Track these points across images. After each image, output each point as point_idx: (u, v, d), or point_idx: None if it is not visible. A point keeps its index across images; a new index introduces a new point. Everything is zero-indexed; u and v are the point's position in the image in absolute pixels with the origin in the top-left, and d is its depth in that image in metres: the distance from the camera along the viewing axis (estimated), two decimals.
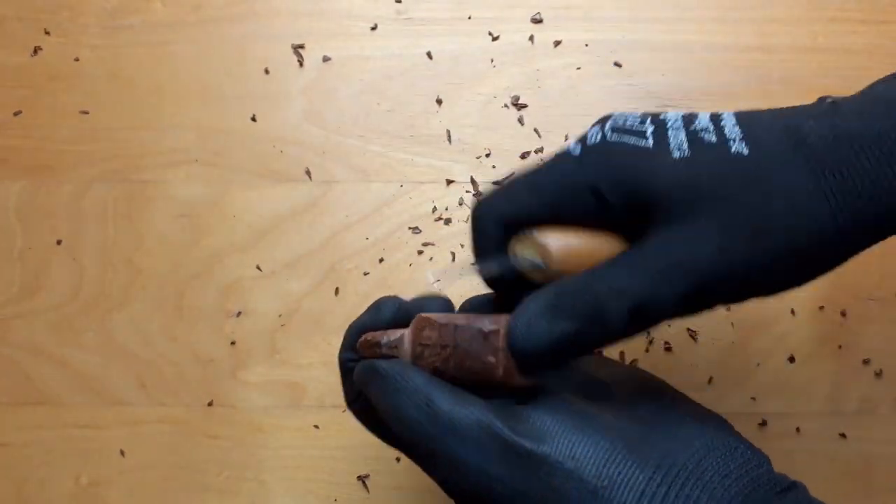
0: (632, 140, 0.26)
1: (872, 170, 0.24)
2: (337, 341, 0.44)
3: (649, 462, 0.24)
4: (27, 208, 0.46)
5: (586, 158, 0.27)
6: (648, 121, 0.27)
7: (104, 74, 0.47)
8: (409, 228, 0.45)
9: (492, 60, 0.46)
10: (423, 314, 0.28)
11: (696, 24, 0.46)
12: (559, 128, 0.46)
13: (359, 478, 0.43)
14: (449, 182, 0.45)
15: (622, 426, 0.26)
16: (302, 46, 0.47)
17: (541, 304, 0.25)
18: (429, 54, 0.47)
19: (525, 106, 0.46)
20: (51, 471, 0.44)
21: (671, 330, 0.44)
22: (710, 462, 0.25)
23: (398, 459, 0.43)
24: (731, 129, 0.25)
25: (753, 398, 0.43)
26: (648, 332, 0.44)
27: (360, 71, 0.46)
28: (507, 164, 0.45)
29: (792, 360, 0.44)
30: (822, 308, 0.44)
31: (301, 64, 0.47)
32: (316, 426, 0.44)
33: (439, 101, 0.46)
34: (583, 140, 0.27)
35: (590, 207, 0.27)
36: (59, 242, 0.46)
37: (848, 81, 0.46)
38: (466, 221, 0.45)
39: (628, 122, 0.27)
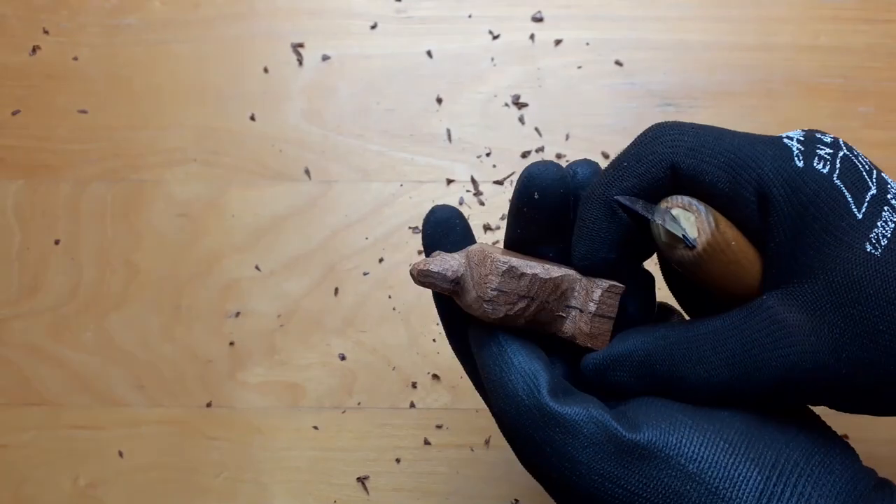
0: (849, 196, 0.24)
1: None
2: (336, 342, 0.44)
3: (766, 461, 0.24)
4: (25, 208, 0.46)
5: (805, 170, 0.24)
6: (874, 178, 0.25)
7: (103, 74, 0.47)
8: (409, 228, 0.45)
9: (492, 59, 0.46)
10: (493, 254, 0.26)
11: (697, 22, 0.46)
12: (560, 127, 0.45)
13: (358, 479, 0.43)
14: (449, 181, 0.45)
15: (733, 423, 0.25)
16: (301, 45, 0.47)
17: (619, 357, 0.26)
18: (429, 53, 0.46)
19: (526, 105, 0.46)
20: (49, 471, 0.44)
21: None
22: (817, 458, 0.25)
23: (398, 460, 0.43)
24: None
25: None
26: None
27: (360, 70, 0.46)
28: (507, 164, 0.45)
29: None
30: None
31: (300, 63, 0.46)
32: (315, 427, 0.44)
33: (439, 100, 0.46)
34: (810, 148, 0.25)
35: (752, 217, 0.25)
36: (57, 242, 0.45)
37: (850, 80, 0.46)
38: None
39: (858, 162, 0.25)
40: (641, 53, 0.46)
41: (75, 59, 0.47)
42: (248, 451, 0.43)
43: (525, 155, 0.45)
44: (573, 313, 0.26)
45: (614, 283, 0.27)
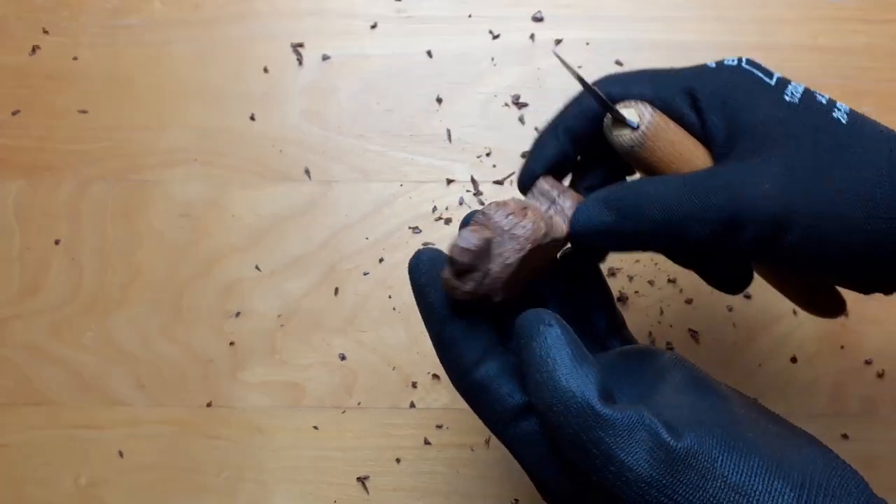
0: (759, 73, 0.29)
1: None
2: (337, 342, 0.44)
3: (793, 479, 0.25)
4: (26, 208, 0.46)
5: (718, 70, 0.30)
6: (779, 74, 0.29)
7: (103, 74, 0.47)
8: (409, 228, 0.45)
9: (492, 59, 0.46)
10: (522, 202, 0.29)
11: (696, 23, 0.46)
12: None
13: (358, 479, 0.43)
14: (449, 181, 0.45)
15: (765, 442, 0.26)
16: (301, 45, 0.47)
17: (599, 195, 0.28)
18: (429, 53, 0.46)
19: (526, 105, 0.46)
20: (50, 471, 0.44)
21: (673, 330, 0.44)
22: (835, 479, 0.26)
23: (398, 460, 0.43)
24: (843, 106, 0.28)
25: (756, 399, 0.43)
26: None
27: (360, 70, 0.46)
28: (507, 164, 0.45)
29: (794, 360, 0.43)
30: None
31: (300, 63, 0.46)
32: (315, 427, 0.44)
33: (439, 100, 0.46)
34: (720, 61, 0.30)
35: (685, 111, 0.30)
36: (57, 242, 0.45)
37: (849, 80, 0.46)
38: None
39: (762, 66, 0.30)
40: (641, 53, 0.46)
41: (76, 59, 0.47)
42: (248, 450, 0.43)
43: (525, 155, 0.45)
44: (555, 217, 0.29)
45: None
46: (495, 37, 0.46)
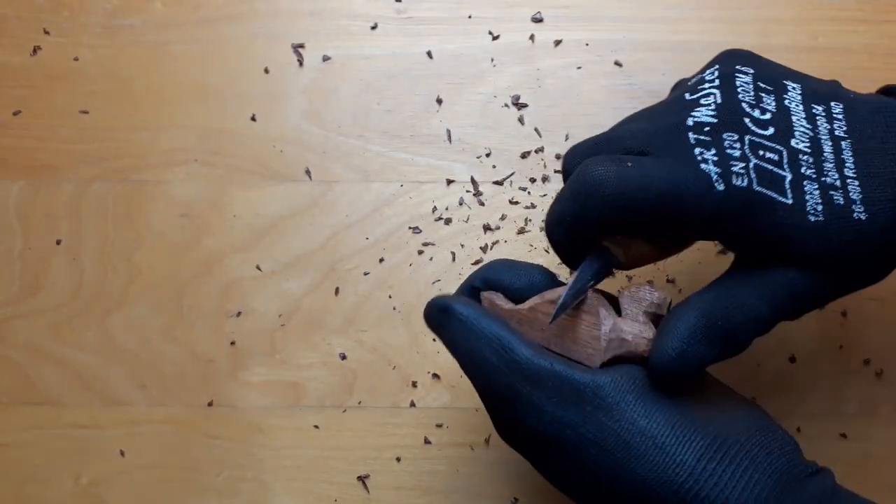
0: (773, 193, 0.28)
1: None
2: (337, 341, 0.44)
3: (709, 431, 0.28)
4: (27, 208, 0.46)
5: (730, 200, 0.28)
6: (785, 158, 0.28)
7: (104, 74, 0.47)
8: (410, 228, 0.45)
9: (492, 60, 0.46)
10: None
11: (696, 23, 0.46)
12: (559, 127, 0.46)
13: (359, 478, 0.43)
14: (449, 182, 0.45)
15: (689, 400, 0.29)
16: (302, 46, 0.47)
17: (691, 330, 0.28)
18: (429, 54, 0.46)
19: (525, 105, 0.46)
20: (51, 471, 0.44)
21: None
22: (757, 439, 0.28)
23: (398, 459, 0.43)
24: (853, 186, 0.28)
25: (754, 398, 0.43)
26: None
27: (360, 70, 0.46)
28: (507, 164, 0.45)
29: (792, 360, 0.44)
30: (822, 308, 0.44)
31: (301, 63, 0.47)
32: (316, 426, 0.44)
33: (439, 101, 0.46)
34: (725, 169, 0.28)
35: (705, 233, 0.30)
36: (58, 242, 0.45)
37: (848, 81, 0.46)
38: (467, 222, 0.45)
39: (766, 157, 0.28)
40: (641, 54, 0.46)
41: (76, 59, 0.47)
42: (249, 450, 0.44)
43: (525, 155, 0.45)
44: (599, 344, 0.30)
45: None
46: (495, 37, 0.46)
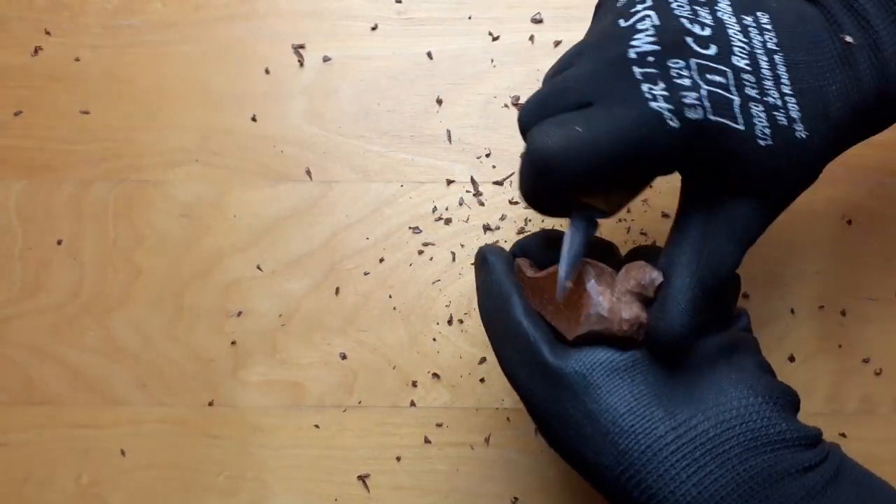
0: (726, 121, 0.27)
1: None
2: (337, 341, 0.44)
3: (676, 421, 0.28)
4: (27, 208, 0.46)
5: (685, 136, 0.27)
6: (731, 80, 0.27)
7: (104, 74, 0.47)
8: (410, 228, 0.45)
9: (492, 60, 0.46)
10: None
11: None
12: None
13: (359, 477, 0.43)
14: (449, 182, 0.45)
15: (672, 383, 0.29)
16: (302, 46, 0.47)
17: (691, 303, 0.28)
18: (429, 54, 0.47)
19: None
20: (51, 471, 0.44)
21: None
22: (736, 431, 0.28)
23: (398, 459, 0.43)
24: (792, 104, 0.27)
25: None
26: None
27: (361, 71, 0.47)
28: (507, 164, 0.45)
29: (792, 359, 0.44)
30: (821, 307, 0.44)
31: (301, 64, 0.47)
32: (316, 426, 0.44)
33: (439, 101, 0.46)
34: (677, 102, 0.27)
35: (673, 166, 0.29)
36: (59, 242, 0.46)
37: None
38: (467, 222, 0.45)
39: (715, 76, 0.27)
40: None
41: (77, 59, 0.47)
42: (249, 449, 0.44)
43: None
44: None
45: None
46: (495, 38, 0.47)
